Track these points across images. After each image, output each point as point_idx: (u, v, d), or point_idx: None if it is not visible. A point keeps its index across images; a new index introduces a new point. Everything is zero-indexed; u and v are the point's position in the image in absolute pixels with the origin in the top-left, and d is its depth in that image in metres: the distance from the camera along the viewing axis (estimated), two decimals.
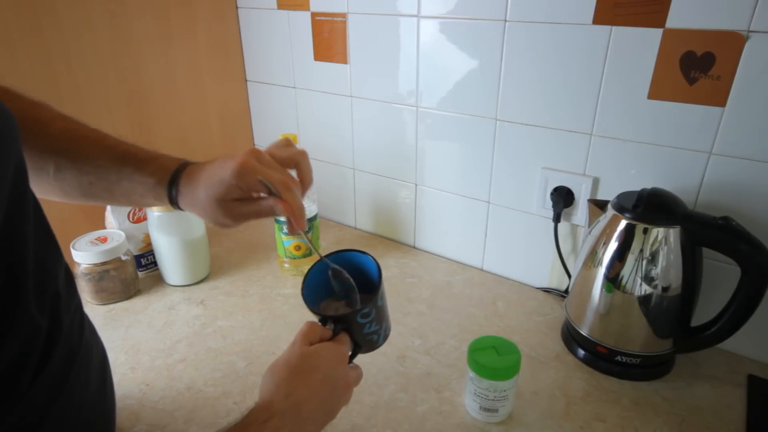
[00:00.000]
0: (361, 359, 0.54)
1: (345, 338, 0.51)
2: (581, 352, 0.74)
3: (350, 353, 0.52)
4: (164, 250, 0.90)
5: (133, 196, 0.53)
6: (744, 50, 0.62)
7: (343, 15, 0.96)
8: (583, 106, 0.77)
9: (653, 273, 0.65)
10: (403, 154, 1.00)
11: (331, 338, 0.50)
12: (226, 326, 0.82)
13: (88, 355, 0.44)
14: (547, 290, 0.91)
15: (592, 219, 0.73)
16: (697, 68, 0.66)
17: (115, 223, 0.91)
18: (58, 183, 0.52)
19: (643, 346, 0.69)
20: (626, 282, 0.66)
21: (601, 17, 0.71)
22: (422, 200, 1.02)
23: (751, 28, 0.61)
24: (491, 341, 0.63)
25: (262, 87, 1.17)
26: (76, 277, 0.85)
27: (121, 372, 0.72)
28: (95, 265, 0.84)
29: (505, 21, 0.79)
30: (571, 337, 0.76)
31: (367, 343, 0.54)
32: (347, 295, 0.54)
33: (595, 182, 0.80)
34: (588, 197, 0.80)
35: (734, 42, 0.63)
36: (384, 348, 0.57)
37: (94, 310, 0.86)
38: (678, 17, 0.65)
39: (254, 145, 1.26)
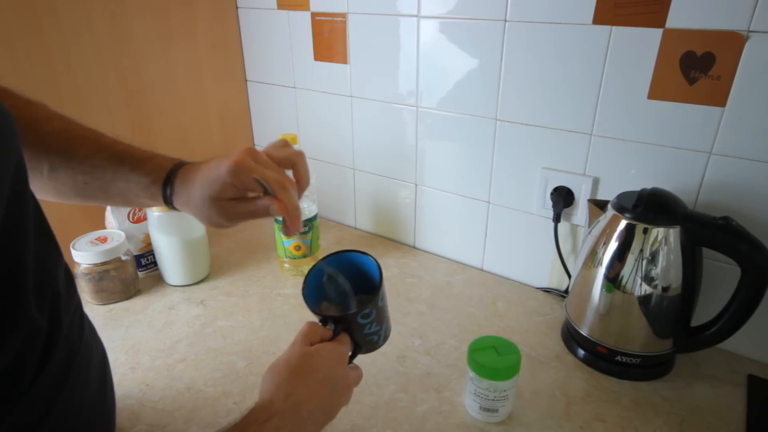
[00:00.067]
0: (361, 359, 0.54)
1: (345, 338, 0.51)
2: (581, 352, 0.74)
3: (350, 353, 0.52)
4: (164, 250, 0.90)
5: (129, 195, 0.53)
6: (744, 50, 0.62)
7: (343, 15, 0.96)
8: (583, 106, 0.77)
9: (653, 273, 0.65)
10: (403, 154, 1.00)
11: (332, 338, 0.50)
12: (226, 326, 0.82)
13: (88, 355, 0.44)
14: (547, 290, 0.91)
15: (592, 219, 0.73)
16: (697, 68, 0.66)
17: (115, 223, 0.91)
18: (52, 182, 0.52)
19: (643, 346, 0.69)
20: (626, 282, 0.66)
21: (601, 17, 0.71)
22: (422, 200, 1.02)
23: (751, 28, 0.61)
24: (491, 341, 0.63)
25: (262, 87, 1.17)
26: (76, 277, 0.85)
27: (121, 372, 0.72)
28: (95, 265, 0.84)
29: (505, 21, 0.79)
30: (571, 337, 0.76)
31: (368, 343, 0.54)
32: (342, 299, 0.54)
33: (595, 182, 0.80)
34: (588, 197, 0.80)
35: (734, 42, 0.63)
36: (384, 348, 0.57)
37: (94, 310, 0.86)
38: (678, 17, 0.65)
39: (254, 144, 1.26)
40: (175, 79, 1.04)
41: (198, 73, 1.08)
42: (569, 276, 0.86)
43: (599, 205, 0.73)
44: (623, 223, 0.66)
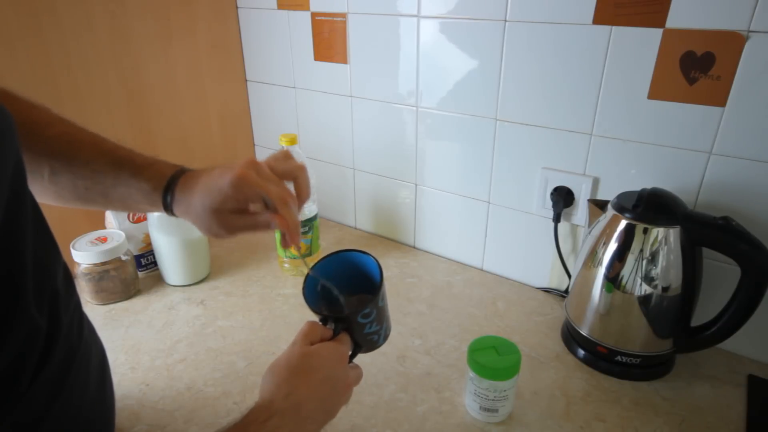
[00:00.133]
0: (361, 359, 0.54)
1: (345, 338, 0.51)
2: (581, 352, 0.74)
3: (350, 353, 0.52)
4: (164, 250, 0.90)
5: (129, 201, 0.53)
6: (744, 50, 0.62)
7: (343, 15, 0.96)
8: (583, 106, 0.76)
9: (653, 273, 0.65)
10: (403, 154, 1.00)
11: (332, 338, 0.50)
12: (226, 326, 0.82)
13: (87, 355, 0.44)
14: (547, 290, 0.91)
15: (592, 219, 0.73)
16: (697, 68, 0.66)
17: (115, 223, 0.91)
18: (53, 186, 0.52)
19: (643, 346, 0.69)
20: (626, 282, 0.66)
21: (601, 17, 0.71)
22: (422, 200, 1.02)
23: (751, 28, 0.61)
24: (491, 341, 0.63)
25: (262, 87, 1.17)
26: (76, 277, 0.85)
27: (121, 372, 0.72)
28: (95, 265, 0.84)
29: (505, 21, 0.79)
30: (571, 337, 0.76)
31: (368, 343, 0.54)
32: (337, 303, 0.54)
33: (595, 182, 0.80)
34: (588, 197, 0.80)
35: (734, 42, 0.63)
36: (384, 348, 0.57)
37: (94, 310, 0.86)
38: (678, 17, 0.65)
39: (254, 144, 1.26)
40: (175, 79, 1.04)
41: (198, 73, 1.08)
42: (569, 276, 0.86)
43: (599, 205, 0.73)
44: (623, 223, 0.66)
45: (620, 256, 0.66)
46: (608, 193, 0.77)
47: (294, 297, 0.89)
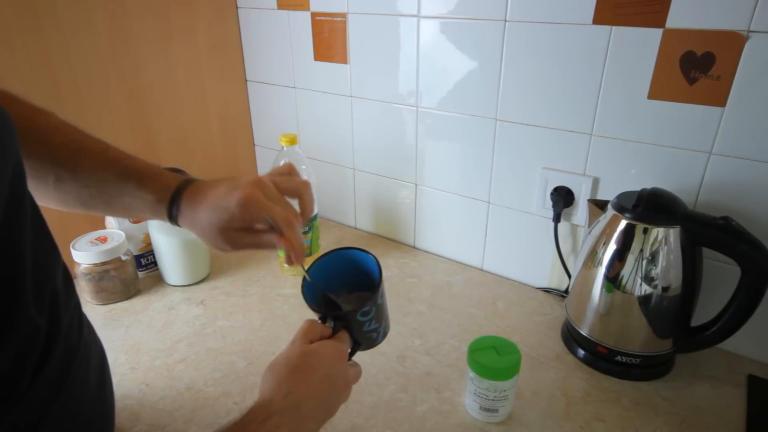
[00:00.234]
0: (361, 359, 0.54)
1: (345, 336, 0.51)
2: (581, 352, 0.74)
3: (349, 351, 0.52)
4: (164, 250, 0.90)
5: (133, 211, 0.54)
6: (744, 50, 0.62)
7: (343, 15, 0.96)
8: (583, 106, 0.76)
9: (653, 273, 0.65)
10: (403, 154, 1.00)
11: (331, 336, 0.50)
12: (226, 326, 0.82)
13: (87, 355, 0.44)
14: (547, 290, 0.91)
15: (592, 219, 0.73)
16: (697, 68, 0.66)
17: (115, 223, 0.91)
18: (57, 194, 0.52)
19: (643, 346, 0.69)
20: (626, 282, 0.66)
21: (601, 17, 0.71)
22: (422, 200, 1.02)
23: (751, 28, 0.61)
24: (491, 341, 0.63)
25: (262, 87, 1.17)
26: (76, 277, 0.85)
27: (121, 372, 0.72)
28: (95, 265, 0.84)
29: (505, 21, 0.79)
30: (571, 337, 0.76)
31: (367, 340, 0.54)
32: (330, 304, 0.55)
33: (595, 182, 0.80)
34: (588, 197, 0.80)
35: (734, 42, 0.63)
36: (384, 348, 0.57)
37: (94, 310, 0.86)
38: (678, 17, 0.65)
39: (254, 144, 1.26)
40: (175, 79, 1.04)
41: (198, 73, 1.08)
42: (569, 276, 0.86)
43: (599, 205, 0.73)
44: (623, 223, 0.66)
45: (620, 256, 0.66)
46: (608, 193, 0.77)
47: (294, 297, 0.89)
